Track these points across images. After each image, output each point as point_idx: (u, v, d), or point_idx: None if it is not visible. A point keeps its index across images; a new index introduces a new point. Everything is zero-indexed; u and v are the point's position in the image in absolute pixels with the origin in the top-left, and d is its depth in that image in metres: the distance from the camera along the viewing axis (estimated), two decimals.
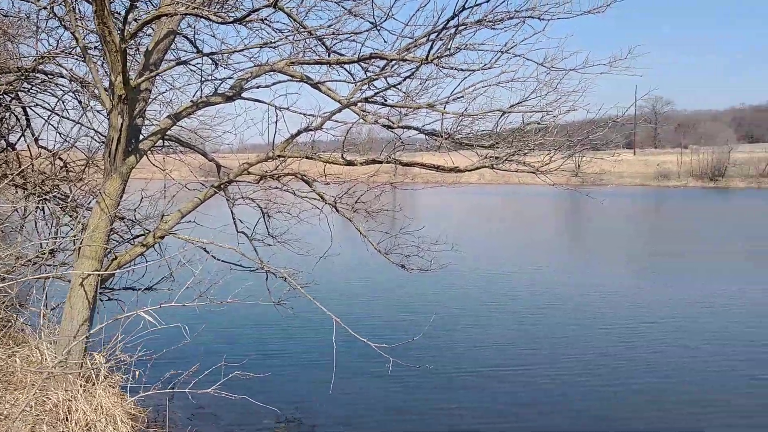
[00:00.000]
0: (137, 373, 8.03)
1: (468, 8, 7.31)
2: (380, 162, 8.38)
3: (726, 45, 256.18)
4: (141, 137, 8.85)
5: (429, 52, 7.72)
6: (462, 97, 8.38)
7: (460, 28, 7.51)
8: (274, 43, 8.43)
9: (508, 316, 16.33)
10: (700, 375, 11.99)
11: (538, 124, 8.41)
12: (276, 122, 8.80)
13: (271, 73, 8.87)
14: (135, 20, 8.32)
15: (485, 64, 8.02)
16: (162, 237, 8.78)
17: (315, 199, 9.71)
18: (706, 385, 11.44)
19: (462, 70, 8.00)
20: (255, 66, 9.06)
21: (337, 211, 9.68)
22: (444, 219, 38.87)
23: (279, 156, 8.97)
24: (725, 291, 19.49)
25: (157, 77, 9.17)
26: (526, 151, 7.81)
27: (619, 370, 12.22)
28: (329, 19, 8.46)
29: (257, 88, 9.13)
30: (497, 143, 8.22)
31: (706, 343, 14.03)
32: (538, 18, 7.48)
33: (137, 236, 9.88)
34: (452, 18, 7.37)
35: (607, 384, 11.46)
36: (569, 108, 8.18)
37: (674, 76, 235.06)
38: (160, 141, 9.62)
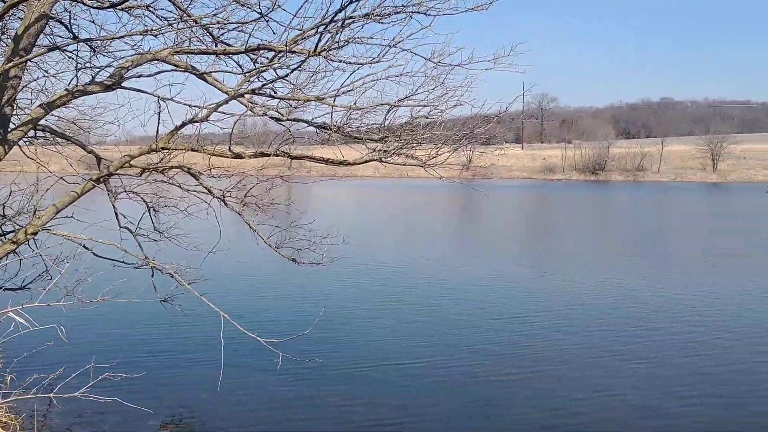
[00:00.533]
0: (8, 378, 7.54)
1: (355, 1, 7.31)
2: (268, 155, 8.25)
3: (610, 44, 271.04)
4: (10, 127, 8.27)
5: (317, 44, 7.67)
6: (352, 90, 8.39)
7: (348, 21, 7.50)
8: (158, 30, 8.09)
9: (398, 308, 16.54)
10: (577, 358, 12.67)
11: (426, 118, 8.54)
12: (159, 113, 8.46)
13: (155, 62, 8.52)
14: (2, 1, 7.77)
15: (374, 58, 8.05)
16: (34, 233, 8.25)
17: (203, 192, 9.43)
18: (581, 367, 12.11)
19: (351, 63, 8.01)
20: (137, 54, 8.67)
21: (226, 204, 9.45)
22: (338, 212, 38.95)
23: (163, 148, 8.64)
24: (596, 277, 20.68)
25: (32, 64, 8.62)
26: (413, 145, 7.93)
27: (506, 357, 12.70)
28: (215, 8, 8.23)
29: (139, 77, 8.74)
30: (386, 137, 8.29)
31: (570, 327, 14.84)
32: (425, 13, 7.59)
33: (7, 233, 9.24)
34: (340, 11, 7.35)
35: (493, 372, 11.88)
36: (456, 103, 8.36)
37: (559, 73, 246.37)
38: (33, 131, 9.04)
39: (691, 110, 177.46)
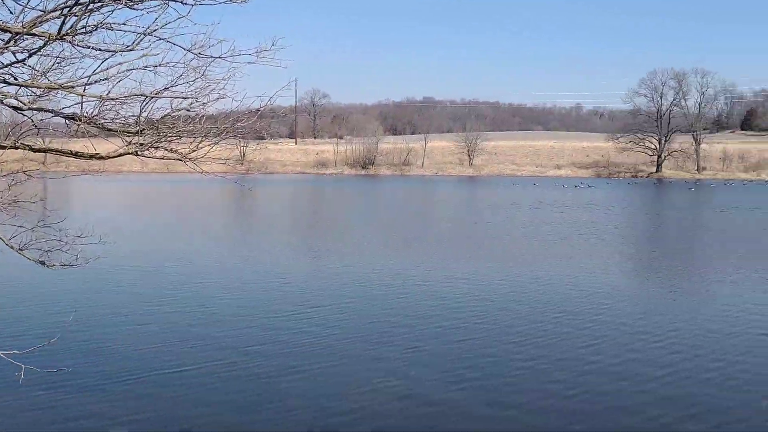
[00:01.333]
0: None
1: None
2: (5, 147, 7.42)
3: (378, 43, 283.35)
4: None
5: (61, 27, 7.05)
6: (106, 79, 7.84)
7: (97, 4, 6.99)
8: None
9: (159, 310, 15.89)
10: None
11: (188, 111, 8.26)
12: None
13: None
14: None
15: (127, 46, 7.61)
16: None
17: None
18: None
19: (101, 50, 7.47)
20: None
21: None
22: (97, 209, 36.31)
23: None
24: (361, 263, 21.69)
25: None
26: (171, 138, 7.62)
27: (270, 353, 12.79)
28: None
29: None
30: (144, 129, 7.87)
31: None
32: (182, 2, 7.33)
33: None
34: None
35: (257, 370, 11.90)
36: (219, 96, 8.18)
37: (329, 70, 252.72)
38: None
39: (450, 109, 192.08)
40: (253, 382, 11.15)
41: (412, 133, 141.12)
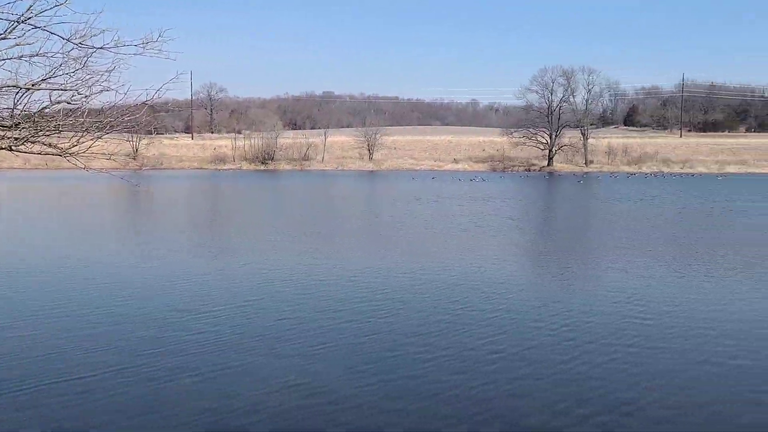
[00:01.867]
0: None
1: None
2: None
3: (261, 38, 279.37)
4: None
5: None
6: None
7: None
8: None
9: (51, 314, 15.08)
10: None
11: (69, 103, 7.82)
12: None
13: None
14: None
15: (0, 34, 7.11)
16: None
17: None
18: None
19: None
20: None
21: None
22: None
23: None
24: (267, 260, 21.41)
25: None
26: (49, 132, 7.19)
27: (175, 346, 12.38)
28: None
29: None
30: (20, 123, 7.39)
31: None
32: None
33: None
34: None
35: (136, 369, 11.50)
36: (102, 88, 7.80)
37: (225, 64, 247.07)
38: None
39: (349, 104, 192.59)
40: (149, 385, 10.72)
41: (312, 128, 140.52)
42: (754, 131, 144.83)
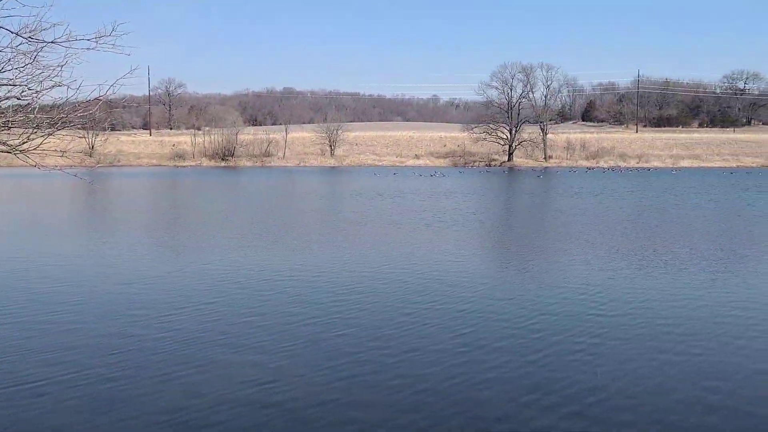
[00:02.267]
0: None
1: None
2: None
3: (220, 33, 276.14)
4: None
5: None
6: None
7: None
8: None
9: (2, 320, 14.63)
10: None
11: (18, 99, 7.55)
12: None
13: None
14: None
15: None
16: None
17: None
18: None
19: None
20: None
21: None
22: None
23: None
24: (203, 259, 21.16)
25: None
26: None
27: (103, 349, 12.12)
28: None
29: None
30: None
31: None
32: None
33: None
34: None
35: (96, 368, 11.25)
36: (54, 84, 7.55)
37: (185, 59, 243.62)
38: None
39: (311, 99, 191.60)
40: (109, 386, 10.47)
41: (273, 124, 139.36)
42: (707, 126, 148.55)
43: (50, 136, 6.97)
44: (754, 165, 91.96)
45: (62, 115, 7.01)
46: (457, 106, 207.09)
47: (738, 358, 12.18)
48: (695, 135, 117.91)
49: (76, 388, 10.47)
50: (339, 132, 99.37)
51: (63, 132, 6.95)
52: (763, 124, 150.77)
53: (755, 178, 68.17)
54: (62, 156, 7.74)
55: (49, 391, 10.34)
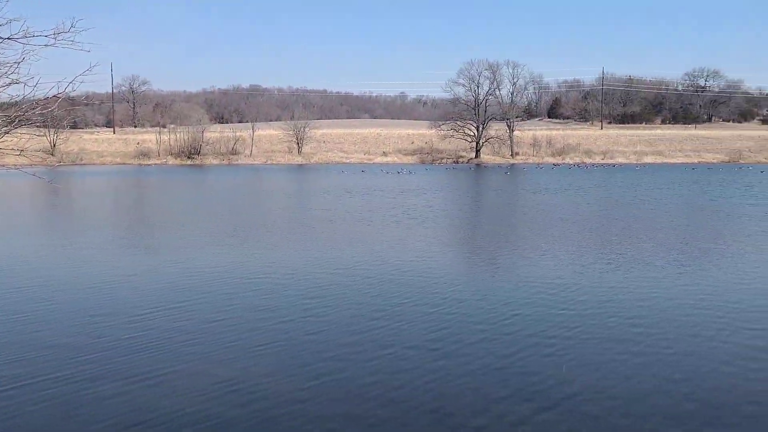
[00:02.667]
0: None
1: None
2: None
3: (186, 30, 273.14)
4: None
5: None
6: None
7: None
8: None
9: None
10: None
11: None
12: None
13: None
14: None
15: None
16: None
17: None
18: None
19: None
20: None
21: None
22: None
23: None
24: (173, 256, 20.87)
25: None
26: None
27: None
28: None
29: None
30: None
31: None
32: None
33: None
34: None
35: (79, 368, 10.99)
36: (10, 81, 7.30)
37: (148, 56, 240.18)
38: None
39: (278, 97, 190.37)
40: (73, 394, 10.21)
41: (240, 122, 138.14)
42: (669, 123, 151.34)
43: (7, 135, 6.75)
44: (714, 161, 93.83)
45: (20, 113, 6.78)
46: (425, 103, 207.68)
47: (703, 349, 12.39)
48: (658, 131, 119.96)
49: (43, 390, 10.20)
50: (306, 129, 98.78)
51: (21, 130, 6.72)
52: (723, 120, 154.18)
53: (716, 173, 69.60)
54: (20, 154, 7.48)
55: (15, 393, 10.05)
